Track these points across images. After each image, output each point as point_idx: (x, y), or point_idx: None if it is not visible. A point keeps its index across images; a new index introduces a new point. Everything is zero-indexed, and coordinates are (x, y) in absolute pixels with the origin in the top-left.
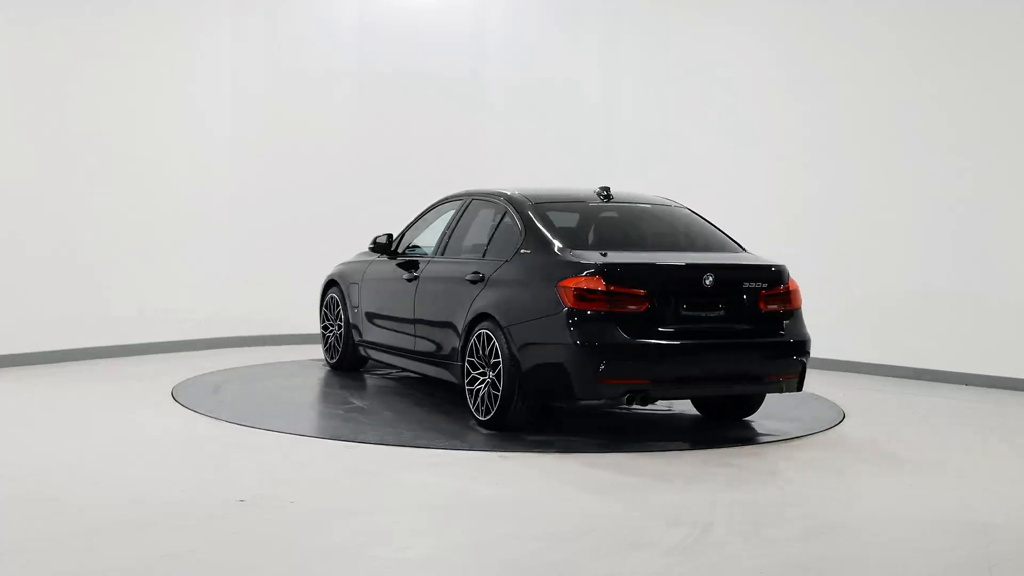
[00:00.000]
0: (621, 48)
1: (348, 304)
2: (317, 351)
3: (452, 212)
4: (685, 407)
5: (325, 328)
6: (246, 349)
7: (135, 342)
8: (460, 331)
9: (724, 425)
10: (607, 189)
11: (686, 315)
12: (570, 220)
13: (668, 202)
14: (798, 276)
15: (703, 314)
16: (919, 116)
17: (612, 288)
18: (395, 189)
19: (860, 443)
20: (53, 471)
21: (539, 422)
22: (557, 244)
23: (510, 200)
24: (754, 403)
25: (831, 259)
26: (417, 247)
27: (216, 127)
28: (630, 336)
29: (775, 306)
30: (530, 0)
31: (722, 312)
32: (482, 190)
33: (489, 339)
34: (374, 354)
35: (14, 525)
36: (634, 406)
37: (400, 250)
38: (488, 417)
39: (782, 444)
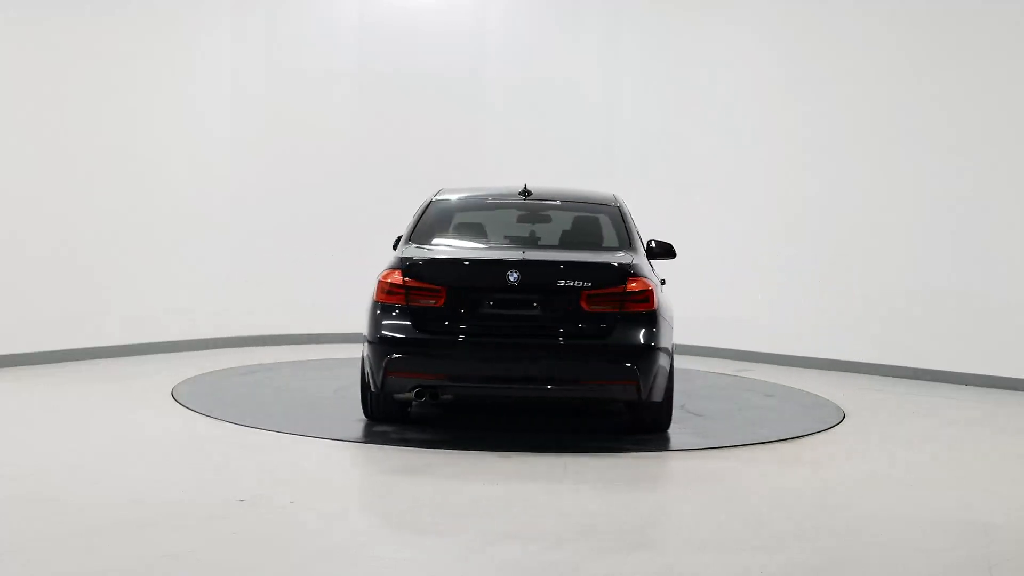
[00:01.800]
0: (621, 48)
1: None
2: (317, 351)
3: None
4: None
5: None
6: (246, 349)
7: (135, 342)
8: None
9: (723, 425)
10: (525, 186)
11: (491, 312)
12: (465, 218)
13: (598, 201)
14: (798, 276)
15: (511, 312)
16: (919, 116)
17: (409, 282)
18: (395, 189)
19: (860, 443)
20: (53, 471)
21: (403, 415)
22: (406, 239)
23: (432, 196)
24: (660, 418)
25: (831, 259)
26: None
27: (216, 127)
28: (422, 331)
29: (602, 307)
30: (530, 0)
31: (537, 311)
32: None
33: None
34: None
35: (14, 525)
36: (424, 400)
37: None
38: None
39: (782, 444)
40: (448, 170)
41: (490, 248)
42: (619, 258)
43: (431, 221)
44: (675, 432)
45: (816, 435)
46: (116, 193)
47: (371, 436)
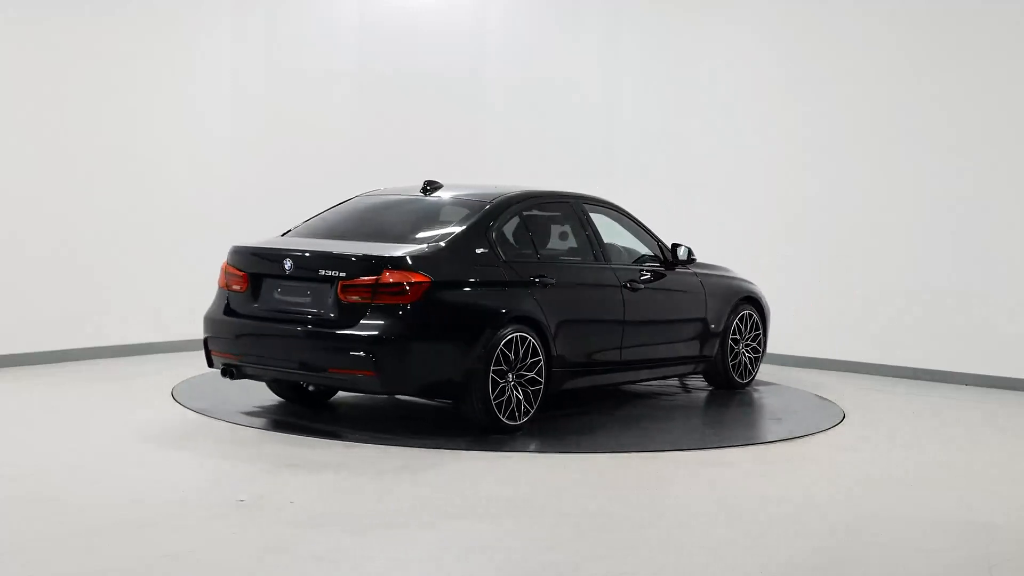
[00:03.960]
0: (621, 48)
1: None
2: None
3: None
4: (672, 408)
5: None
6: None
7: (135, 342)
8: None
9: (723, 425)
10: (425, 183)
11: (277, 298)
12: (359, 214)
13: (474, 198)
14: (798, 276)
15: (291, 299)
16: (919, 116)
17: (228, 268)
18: None
19: (860, 443)
20: (53, 471)
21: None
22: (286, 231)
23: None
24: (480, 419)
25: (831, 259)
26: None
27: (216, 127)
28: (228, 314)
29: (356, 297)
30: (530, 0)
31: (308, 298)
32: None
33: None
34: None
35: (14, 525)
36: (227, 379)
37: None
38: None
39: (782, 444)
40: (448, 170)
41: (309, 239)
42: (392, 250)
43: (326, 216)
44: (675, 432)
45: (816, 435)
46: (116, 193)
47: (371, 436)
